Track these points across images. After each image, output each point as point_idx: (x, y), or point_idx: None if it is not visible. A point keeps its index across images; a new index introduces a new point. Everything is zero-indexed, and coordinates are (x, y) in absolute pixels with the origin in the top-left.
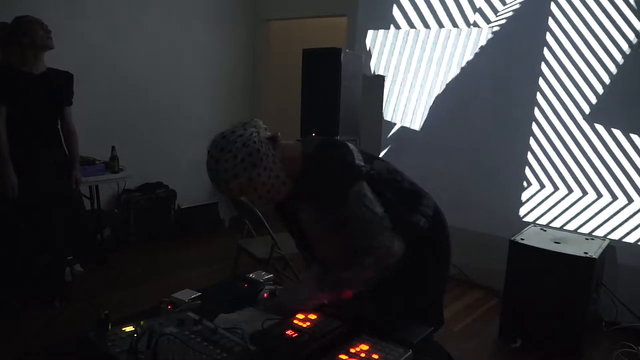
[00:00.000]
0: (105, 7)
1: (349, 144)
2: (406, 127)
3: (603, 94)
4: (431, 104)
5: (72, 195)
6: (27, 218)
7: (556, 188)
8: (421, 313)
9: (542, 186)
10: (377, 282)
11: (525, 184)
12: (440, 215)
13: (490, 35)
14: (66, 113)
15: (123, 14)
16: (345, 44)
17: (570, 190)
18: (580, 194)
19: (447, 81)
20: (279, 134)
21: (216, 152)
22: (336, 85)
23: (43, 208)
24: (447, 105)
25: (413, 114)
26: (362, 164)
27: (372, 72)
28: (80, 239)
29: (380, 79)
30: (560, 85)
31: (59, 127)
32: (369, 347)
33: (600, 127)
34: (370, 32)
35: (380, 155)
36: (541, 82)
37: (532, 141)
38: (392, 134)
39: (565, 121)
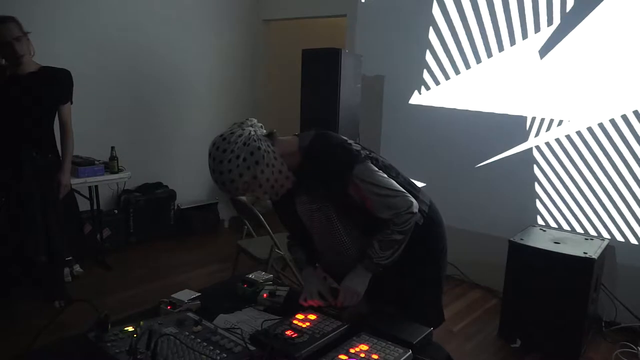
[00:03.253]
0: (105, 7)
1: (344, 137)
2: (406, 126)
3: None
4: (431, 103)
5: (59, 198)
6: (13, 221)
7: (555, 189)
8: (420, 310)
9: (542, 186)
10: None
11: (525, 184)
12: (436, 213)
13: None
14: (62, 112)
15: (123, 14)
16: (345, 44)
17: (570, 191)
18: (580, 195)
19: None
20: (275, 130)
21: (218, 153)
22: (336, 85)
23: (28, 211)
24: (447, 104)
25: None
26: (360, 148)
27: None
28: (75, 240)
29: (380, 79)
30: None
31: (52, 127)
32: (369, 347)
33: (598, 129)
34: (370, 33)
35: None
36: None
37: (532, 142)
38: (391, 134)
39: (565, 124)
